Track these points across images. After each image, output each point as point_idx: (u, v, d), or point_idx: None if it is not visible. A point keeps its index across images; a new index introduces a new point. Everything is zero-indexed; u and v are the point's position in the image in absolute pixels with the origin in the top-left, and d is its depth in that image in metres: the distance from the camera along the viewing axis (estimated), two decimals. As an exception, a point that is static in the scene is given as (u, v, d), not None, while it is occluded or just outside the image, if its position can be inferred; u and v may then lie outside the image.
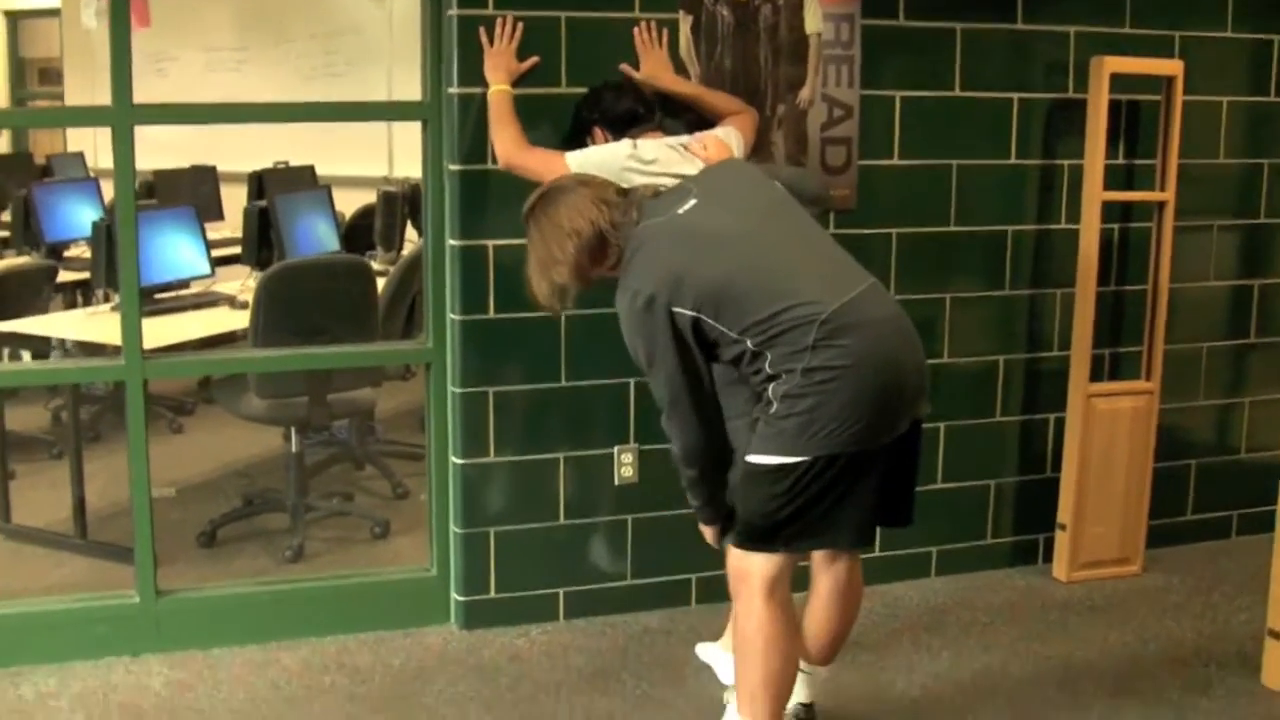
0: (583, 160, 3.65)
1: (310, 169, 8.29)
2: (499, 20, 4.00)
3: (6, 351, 5.83)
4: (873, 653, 4.20)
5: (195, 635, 4.23)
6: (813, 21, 4.34)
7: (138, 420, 4.11)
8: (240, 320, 5.43)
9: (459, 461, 4.29)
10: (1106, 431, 4.75)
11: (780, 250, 3.18)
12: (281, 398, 5.23)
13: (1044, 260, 4.78)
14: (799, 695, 3.48)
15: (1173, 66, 4.68)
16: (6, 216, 7.68)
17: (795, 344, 3.00)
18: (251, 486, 5.83)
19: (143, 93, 4.01)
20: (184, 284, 5.98)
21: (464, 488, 4.31)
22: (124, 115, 3.95)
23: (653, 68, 4.09)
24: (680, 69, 4.18)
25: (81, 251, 6.87)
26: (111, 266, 4.91)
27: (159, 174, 8.03)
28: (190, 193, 7.74)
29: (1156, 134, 4.75)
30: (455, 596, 4.40)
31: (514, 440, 4.31)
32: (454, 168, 4.12)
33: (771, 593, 3.15)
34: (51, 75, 12.11)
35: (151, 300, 5.48)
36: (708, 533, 3.47)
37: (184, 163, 8.38)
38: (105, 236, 5.38)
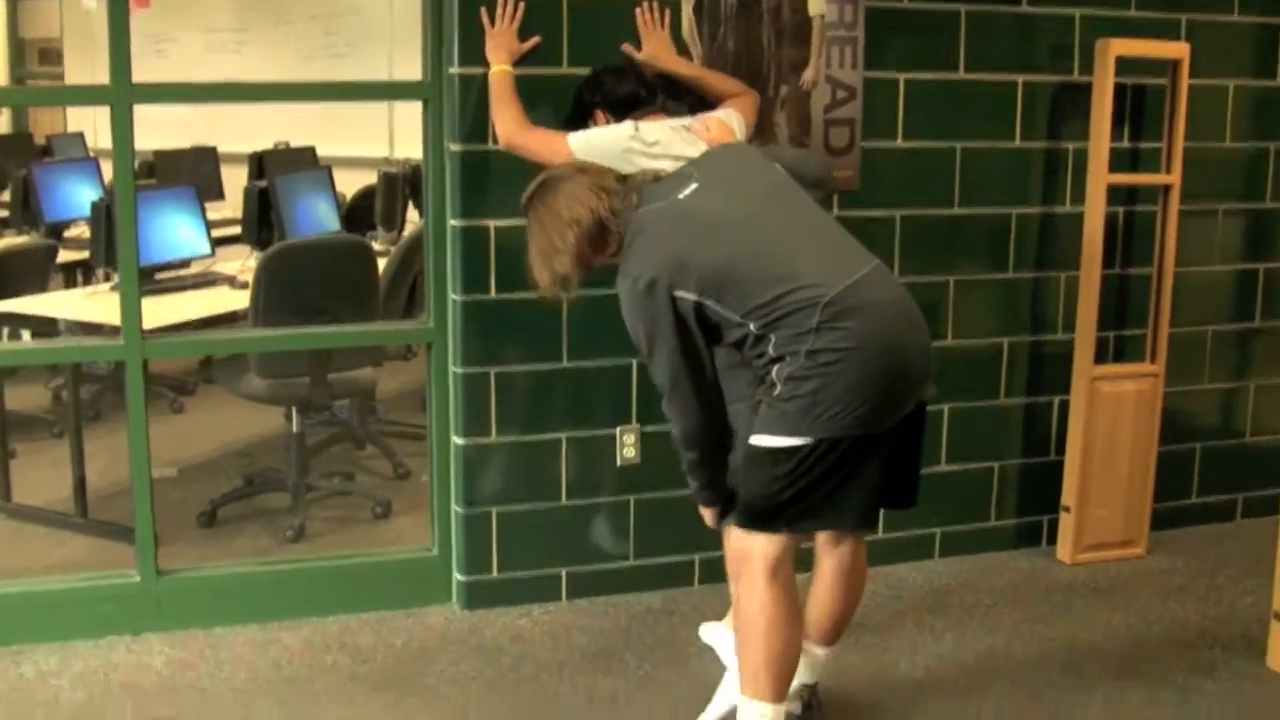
0: (584, 141, 3.64)
1: (311, 150, 8.27)
2: (500, 0, 3.98)
3: (6, 331, 5.82)
4: (876, 634, 4.19)
5: (196, 615, 4.23)
6: (816, 3, 4.31)
7: (138, 400, 4.10)
8: (240, 300, 5.41)
9: (460, 442, 4.28)
10: (1111, 414, 4.74)
11: (783, 233, 3.17)
12: (282, 378, 5.22)
13: (1048, 243, 4.76)
14: (802, 676, 3.47)
15: (1178, 49, 4.66)
16: (6, 196, 7.68)
17: (799, 326, 2.99)
18: (252, 466, 5.82)
19: (143, 74, 4.00)
20: (184, 264, 5.97)
21: (465, 468, 4.30)
22: (122, 94, 3.93)
23: (654, 48, 4.07)
24: (682, 50, 4.16)
25: (81, 231, 6.86)
26: (111, 246, 4.89)
27: (159, 154, 8.03)
28: (191, 173, 7.74)
29: (1162, 117, 4.73)
30: (457, 576, 4.39)
31: (516, 420, 4.30)
32: (455, 148, 4.11)
33: (774, 574, 3.14)
34: (51, 55, 12.10)
35: (151, 280, 5.46)
36: (707, 515, 3.47)
37: (185, 143, 8.38)
38: (105, 216, 5.37)
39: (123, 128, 3.95)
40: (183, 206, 6.00)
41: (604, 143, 3.60)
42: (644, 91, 3.89)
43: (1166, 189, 4.73)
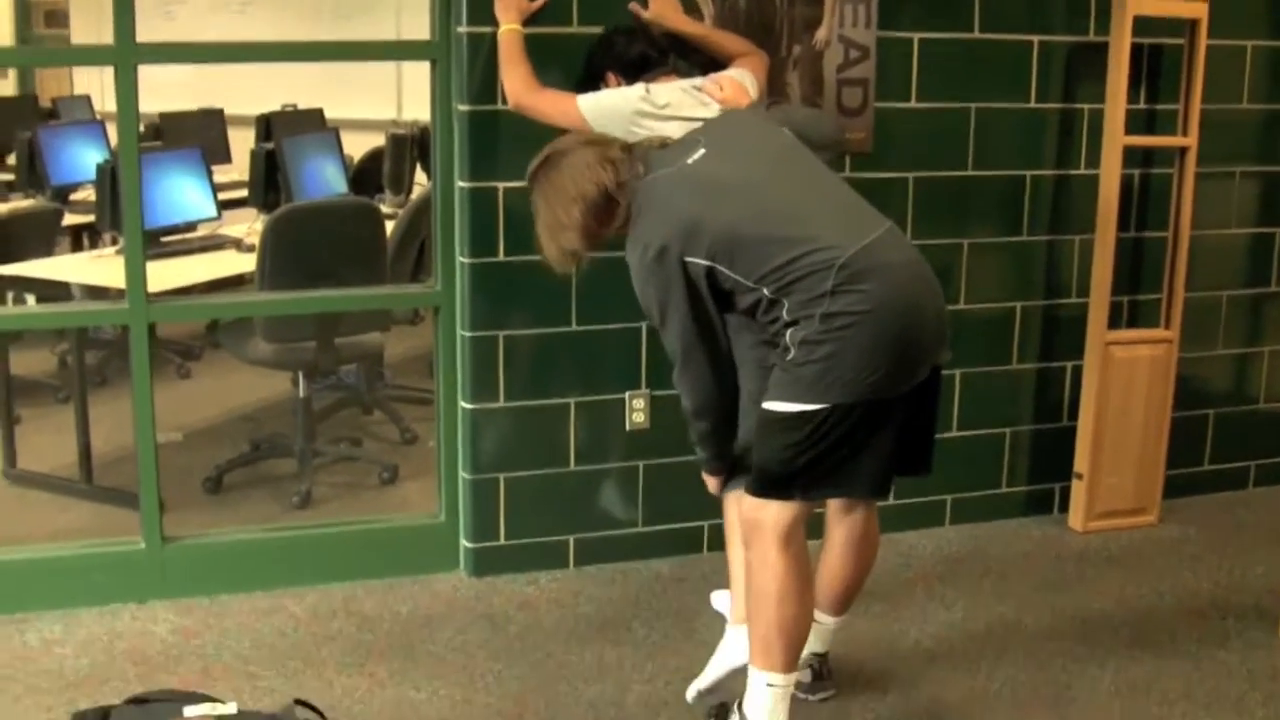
0: (594, 103, 3.58)
1: (318, 112, 8.25)
2: (509, -42, 3.93)
3: (11, 295, 5.79)
4: (886, 602, 4.17)
5: (201, 582, 4.20)
6: (829, -39, 4.26)
7: (142, 364, 4.07)
8: (247, 263, 5.38)
9: (468, 406, 4.25)
10: (1124, 380, 4.70)
11: (794, 196, 3.13)
12: (289, 342, 5.20)
13: (1063, 206, 4.71)
14: (812, 644, 3.44)
15: (1197, 9, 4.59)
16: (12, 159, 7.64)
17: (813, 290, 2.94)
18: (259, 431, 5.81)
19: (149, 36, 3.95)
20: (190, 227, 5.93)
21: (473, 433, 4.27)
22: (127, 54, 3.89)
23: (661, 7, 3.99)
24: (693, 9, 4.10)
25: (87, 195, 6.81)
26: (116, 209, 4.86)
27: (165, 116, 7.98)
28: (197, 135, 7.68)
29: (1179, 78, 4.67)
30: (464, 543, 4.37)
31: (524, 385, 4.26)
32: (463, 108, 4.06)
33: (787, 542, 3.11)
34: (58, 17, 12.03)
35: (157, 243, 5.42)
36: (711, 482, 3.46)
37: (191, 106, 8.34)
38: (110, 178, 5.34)
39: (127, 88, 3.90)
40: (189, 169, 5.97)
41: (614, 105, 3.55)
42: (655, 52, 3.83)
43: (1183, 151, 4.67)
